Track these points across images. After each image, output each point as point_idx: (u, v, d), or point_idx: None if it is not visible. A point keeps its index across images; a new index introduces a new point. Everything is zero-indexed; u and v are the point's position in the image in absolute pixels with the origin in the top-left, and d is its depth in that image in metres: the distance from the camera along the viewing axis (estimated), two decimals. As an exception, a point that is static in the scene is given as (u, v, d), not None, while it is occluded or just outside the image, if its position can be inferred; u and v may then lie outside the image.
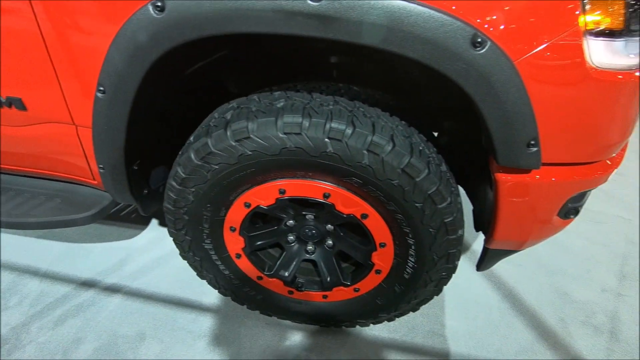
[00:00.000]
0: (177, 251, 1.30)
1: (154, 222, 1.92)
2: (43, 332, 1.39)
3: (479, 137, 0.97)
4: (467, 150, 1.26)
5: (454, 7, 0.70)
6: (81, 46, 0.84)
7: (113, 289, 1.56)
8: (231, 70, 1.40)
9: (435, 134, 1.37)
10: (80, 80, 0.90)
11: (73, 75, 0.90)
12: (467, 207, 1.36)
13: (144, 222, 1.91)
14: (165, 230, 1.86)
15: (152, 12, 0.76)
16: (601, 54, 0.75)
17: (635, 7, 0.75)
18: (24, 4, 0.83)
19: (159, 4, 0.75)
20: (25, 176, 1.40)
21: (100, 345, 1.36)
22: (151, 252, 1.74)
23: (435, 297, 1.24)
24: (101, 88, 0.88)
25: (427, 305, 1.49)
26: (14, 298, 1.51)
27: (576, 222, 1.94)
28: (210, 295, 1.53)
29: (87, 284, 1.58)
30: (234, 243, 1.20)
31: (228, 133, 0.94)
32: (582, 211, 2.09)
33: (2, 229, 1.73)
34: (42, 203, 1.32)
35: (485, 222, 1.11)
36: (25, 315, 1.45)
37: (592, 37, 0.74)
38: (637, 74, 0.81)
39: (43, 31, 0.85)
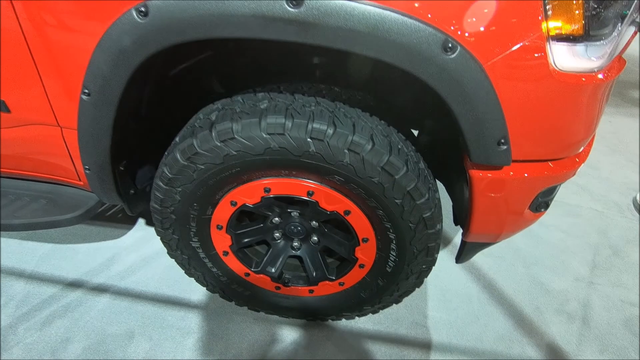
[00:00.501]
0: (165, 250, 1.32)
1: (141, 221, 1.93)
2: (30, 333, 1.39)
3: (456, 135, 1.01)
4: (445, 148, 1.31)
5: (426, 14, 0.74)
6: (65, 50, 0.85)
7: (101, 289, 1.56)
8: (215, 70, 1.42)
9: (416, 133, 1.41)
10: (65, 83, 0.91)
11: (57, 79, 0.91)
12: (448, 202, 1.41)
13: (130, 222, 1.91)
14: (152, 229, 1.87)
15: (135, 17, 0.78)
16: (564, 57, 0.80)
17: (594, 12, 0.80)
18: (7, 9, 0.83)
19: (143, 9, 0.77)
20: (8, 177, 1.39)
21: (89, 344, 1.37)
22: (138, 252, 1.75)
23: (417, 289, 1.29)
24: (86, 90, 0.90)
25: (409, 297, 1.55)
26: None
27: (552, 216, 2.04)
28: (198, 292, 1.55)
29: (74, 285, 1.58)
30: (221, 241, 1.23)
31: (213, 134, 0.96)
32: (558, 205, 2.18)
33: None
34: (27, 204, 1.32)
35: (462, 216, 1.16)
36: (11, 317, 1.44)
37: (555, 42, 0.79)
38: (600, 75, 0.87)
39: (26, 35, 0.85)
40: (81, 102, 0.92)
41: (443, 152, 1.31)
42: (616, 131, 3.06)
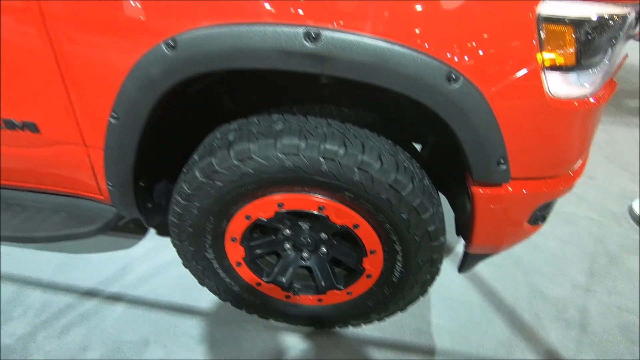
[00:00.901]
0: (176, 259, 1.38)
1: (151, 232, 1.98)
2: (49, 341, 1.45)
3: (458, 150, 1.08)
4: (447, 162, 1.37)
5: (432, 48, 0.81)
6: (98, 78, 0.92)
7: (115, 298, 1.62)
8: (227, 88, 1.48)
9: (419, 148, 1.48)
10: (95, 108, 0.97)
11: (88, 104, 0.97)
12: (449, 213, 1.47)
13: (141, 232, 1.97)
14: (162, 239, 1.93)
15: (164, 49, 0.84)
16: (557, 85, 0.87)
17: (585, 43, 0.86)
18: (43, 42, 0.90)
19: (171, 43, 0.83)
20: (29, 191, 1.45)
21: (106, 351, 1.42)
22: (150, 261, 1.80)
23: (421, 297, 1.35)
24: (115, 114, 0.96)
25: (414, 305, 1.61)
26: (18, 309, 1.56)
27: (550, 224, 2.11)
28: (210, 301, 1.61)
29: (90, 293, 1.63)
30: (235, 252, 1.29)
31: (231, 153, 1.03)
32: (556, 214, 2.24)
33: (8, 243, 1.77)
34: (48, 217, 1.38)
35: (464, 228, 1.22)
36: (30, 326, 1.50)
37: (549, 71, 0.86)
38: (591, 100, 0.94)
39: (60, 64, 0.92)
40: (109, 125, 0.98)
41: (445, 166, 1.38)
42: (612, 140, 3.14)
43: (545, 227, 2.07)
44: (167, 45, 0.84)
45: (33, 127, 1.06)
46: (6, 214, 1.38)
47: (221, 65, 0.85)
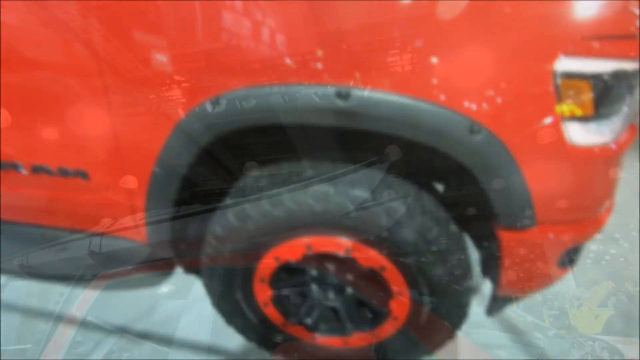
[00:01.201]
0: (203, 298, 1.41)
1: (178, 270, 2.03)
2: (80, 379, 1.48)
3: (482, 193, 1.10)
4: (472, 205, 1.39)
5: (455, 103, 0.87)
6: (147, 133, 1.02)
7: (144, 336, 1.65)
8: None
9: (442, 189, 1.50)
10: (142, 159, 1.07)
11: (136, 155, 1.07)
12: (475, 255, 1.47)
13: (169, 270, 2.02)
14: (189, 278, 1.96)
15: (208, 107, 0.93)
16: (577, 134, 0.91)
17: (602, 94, 0.90)
18: (101, 99, 1.01)
19: (215, 101, 0.92)
20: (69, 231, 1.54)
21: (134, 391, 1.44)
22: (177, 300, 1.84)
23: (449, 341, 1.33)
24: (159, 164, 1.05)
25: (441, 349, 1.57)
26: (52, 346, 1.61)
27: (581, 266, 2.04)
28: (236, 341, 1.61)
29: (118, 331, 1.67)
30: (263, 293, 1.32)
31: (264, 199, 1.09)
32: (586, 254, 2.18)
33: (47, 280, 1.85)
34: (87, 256, 1.45)
35: (491, 271, 1.22)
36: (63, 363, 1.54)
37: (569, 122, 0.90)
38: (612, 146, 0.97)
39: (116, 119, 1.03)
40: (153, 173, 1.07)
41: (470, 208, 1.40)
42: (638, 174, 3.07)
43: (576, 269, 2.01)
44: (212, 103, 0.93)
45: (84, 175, 1.16)
46: (49, 253, 1.46)
47: (260, 121, 0.93)
